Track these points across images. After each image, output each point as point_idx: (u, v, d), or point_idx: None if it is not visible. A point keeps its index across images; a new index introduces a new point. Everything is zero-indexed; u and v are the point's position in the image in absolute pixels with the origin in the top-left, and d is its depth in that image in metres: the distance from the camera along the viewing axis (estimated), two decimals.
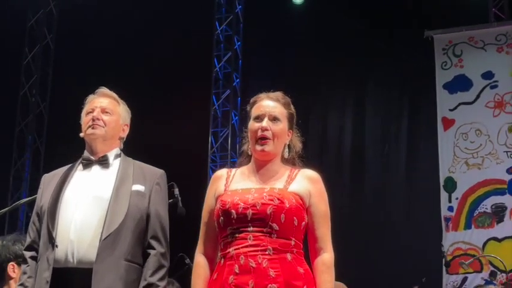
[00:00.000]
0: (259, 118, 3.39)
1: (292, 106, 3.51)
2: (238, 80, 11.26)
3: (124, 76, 10.72)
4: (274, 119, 3.39)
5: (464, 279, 9.29)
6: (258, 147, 3.36)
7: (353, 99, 11.07)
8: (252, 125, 3.41)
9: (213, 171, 10.16)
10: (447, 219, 9.63)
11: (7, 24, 11.01)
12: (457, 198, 9.64)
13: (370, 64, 10.71)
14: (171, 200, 4.27)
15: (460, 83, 9.92)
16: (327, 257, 3.30)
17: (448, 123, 9.92)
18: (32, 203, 3.79)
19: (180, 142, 10.01)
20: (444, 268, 9.08)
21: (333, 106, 11.15)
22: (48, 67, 12.07)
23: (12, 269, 4.27)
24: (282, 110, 3.43)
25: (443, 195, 9.75)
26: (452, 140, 9.81)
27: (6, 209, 4.17)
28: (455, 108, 9.90)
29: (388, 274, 9.50)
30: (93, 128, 3.60)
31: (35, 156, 11.67)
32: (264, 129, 3.35)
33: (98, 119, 3.61)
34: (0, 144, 11.64)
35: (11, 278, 4.23)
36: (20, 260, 3.99)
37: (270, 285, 3.13)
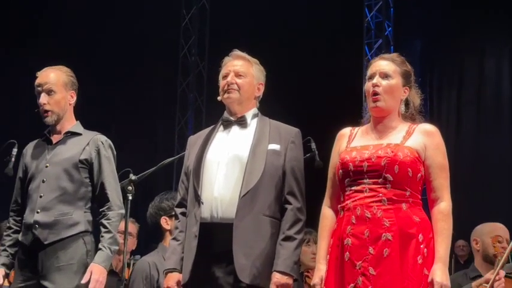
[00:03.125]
0: (371, 77, 3.52)
1: (407, 64, 3.59)
2: (390, 28, 11.13)
3: (275, 32, 10.91)
4: (385, 75, 3.49)
5: None
6: (372, 104, 3.50)
7: (510, 41, 10.71)
8: (366, 85, 3.54)
9: None
10: None
11: None
12: None
13: None
14: (308, 154, 4.42)
15: None
16: (444, 205, 3.36)
17: None
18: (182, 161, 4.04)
19: (333, 95, 10.13)
20: None
21: (489, 50, 10.84)
22: (205, 27, 12.45)
23: (165, 222, 4.68)
24: (395, 68, 3.52)
25: None
26: None
27: (153, 168, 4.47)
28: None
29: None
30: (228, 93, 3.79)
31: (197, 114, 12.13)
32: (374, 86, 3.47)
33: (232, 83, 3.79)
34: (165, 104, 12.19)
35: (167, 230, 4.65)
36: (170, 213, 4.32)
37: (384, 234, 3.27)
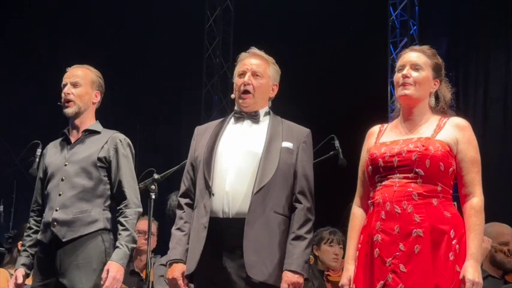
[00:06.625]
0: (401, 68, 3.49)
1: (438, 57, 3.55)
2: (415, 27, 11.03)
3: (299, 32, 10.87)
4: (415, 67, 3.45)
5: None
6: (400, 92, 3.45)
7: None
8: (395, 75, 3.51)
9: None
10: None
11: None
12: None
13: None
14: (332, 152, 4.40)
15: None
16: (476, 201, 3.31)
17: None
18: None
19: (357, 94, 10.07)
20: None
21: None
22: (229, 28, 12.45)
23: None
24: (425, 60, 3.48)
25: None
26: None
27: (175, 167, 4.45)
28: None
29: None
30: (243, 98, 3.76)
31: (222, 115, 12.06)
32: (404, 77, 3.44)
33: (248, 84, 3.75)
34: (190, 105, 12.21)
35: None
36: None
37: (415, 230, 3.23)
